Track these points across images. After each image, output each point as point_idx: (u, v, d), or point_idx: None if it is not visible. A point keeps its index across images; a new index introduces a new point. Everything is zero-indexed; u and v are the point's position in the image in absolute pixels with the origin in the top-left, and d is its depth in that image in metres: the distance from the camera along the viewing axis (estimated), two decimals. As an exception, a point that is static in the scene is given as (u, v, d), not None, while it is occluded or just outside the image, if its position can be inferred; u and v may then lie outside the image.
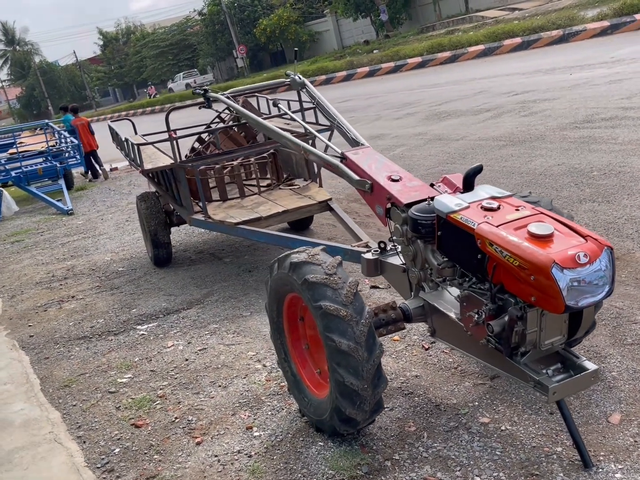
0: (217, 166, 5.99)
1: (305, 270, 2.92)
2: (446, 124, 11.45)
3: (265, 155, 6.14)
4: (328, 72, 30.85)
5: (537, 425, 3.01)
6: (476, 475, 2.75)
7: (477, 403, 3.28)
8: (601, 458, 2.73)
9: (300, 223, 6.87)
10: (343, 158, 3.76)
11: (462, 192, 3.09)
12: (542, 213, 2.75)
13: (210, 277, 6.05)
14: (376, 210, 3.57)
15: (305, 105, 5.99)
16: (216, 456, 3.18)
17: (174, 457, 3.24)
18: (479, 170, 3.08)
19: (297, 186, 6.09)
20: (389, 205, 3.40)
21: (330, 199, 5.46)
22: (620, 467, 2.65)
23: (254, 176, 6.20)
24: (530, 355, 2.73)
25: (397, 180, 3.47)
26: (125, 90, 75.69)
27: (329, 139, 5.77)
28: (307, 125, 4.67)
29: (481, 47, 23.82)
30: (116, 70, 70.73)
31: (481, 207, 2.85)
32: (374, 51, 32.32)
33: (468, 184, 3.07)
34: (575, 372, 2.70)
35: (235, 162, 6.03)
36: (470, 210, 2.84)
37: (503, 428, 3.04)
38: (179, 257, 6.99)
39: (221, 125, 7.09)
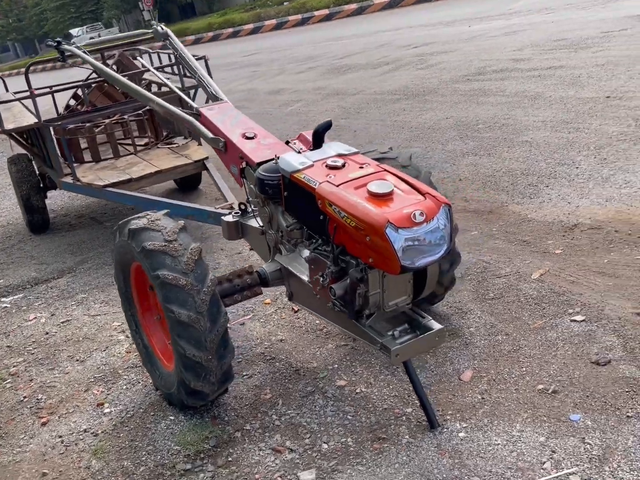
0: (88, 124, 5.64)
1: (144, 237, 2.74)
2: (346, 78, 11.29)
3: (140, 112, 5.82)
4: (235, 25, 30.06)
5: (391, 387, 2.96)
6: (324, 442, 2.68)
7: (336, 365, 3.21)
8: (448, 417, 2.70)
9: (187, 183, 6.63)
10: (198, 114, 3.54)
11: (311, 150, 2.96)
12: (385, 170, 2.64)
13: (87, 244, 5.76)
14: (231, 170, 3.39)
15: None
16: (60, 437, 3.00)
17: (16, 441, 3.04)
18: (328, 126, 2.95)
19: (176, 145, 5.83)
20: (243, 165, 3.23)
21: (206, 158, 5.24)
22: (464, 425, 2.63)
23: (130, 135, 5.87)
24: (376, 317, 2.66)
25: (251, 138, 3.30)
26: (27, 45, 71.82)
27: (194, 96, 5.53)
28: (166, 80, 4.40)
29: (387, -2, 23.64)
30: (14, 24, 66.88)
31: (326, 166, 2.72)
32: (284, 3, 31.66)
33: (317, 141, 2.94)
34: (421, 332, 2.64)
35: (107, 120, 5.69)
36: (313, 169, 2.71)
37: (358, 390, 2.98)
38: (59, 223, 6.64)
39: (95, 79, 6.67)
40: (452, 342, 3.22)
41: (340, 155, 2.80)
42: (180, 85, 5.53)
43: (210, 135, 3.42)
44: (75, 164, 5.56)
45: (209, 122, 3.46)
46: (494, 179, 5.23)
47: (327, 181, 2.59)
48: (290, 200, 2.84)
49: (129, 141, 5.86)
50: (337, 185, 2.55)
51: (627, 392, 2.64)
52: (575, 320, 3.19)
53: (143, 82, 6.66)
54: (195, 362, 2.68)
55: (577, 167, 5.05)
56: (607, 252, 3.77)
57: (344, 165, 2.71)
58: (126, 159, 5.66)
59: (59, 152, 5.48)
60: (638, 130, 5.45)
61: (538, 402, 2.69)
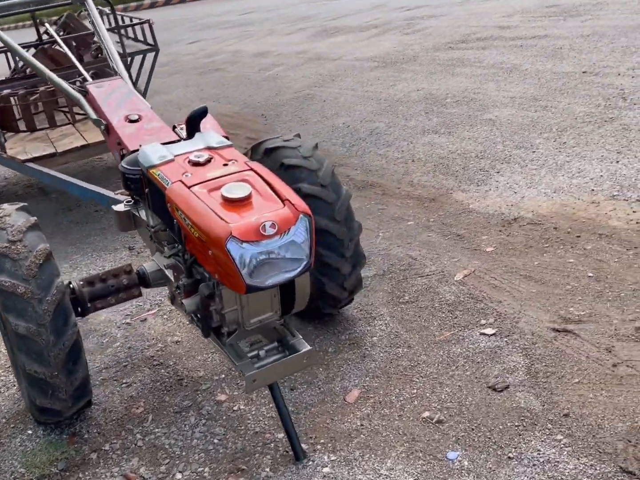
0: (21, 92, 5.31)
1: (-11, 236, 2.44)
2: (330, 42, 10.83)
3: (79, 79, 5.47)
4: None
5: (271, 405, 2.68)
6: (179, 471, 2.42)
7: (223, 376, 2.93)
8: (319, 447, 2.43)
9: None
10: (85, 92, 3.21)
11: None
12: (252, 170, 2.31)
13: (23, 218, 5.46)
14: (115, 156, 3.08)
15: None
16: None
17: None
18: (203, 112, 2.62)
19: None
20: (123, 152, 2.91)
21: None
22: (333, 458, 2.36)
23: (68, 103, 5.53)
24: (238, 335, 2.36)
25: (134, 122, 2.97)
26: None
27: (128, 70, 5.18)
28: (70, 54, 4.04)
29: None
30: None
31: (188, 161, 2.39)
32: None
33: (191, 129, 2.62)
34: (290, 353, 2.35)
35: (41, 88, 5.35)
36: (172, 164, 2.39)
37: (236, 408, 2.71)
38: (6, 193, 6.35)
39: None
40: (350, 353, 2.93)
41: (209, 149, 2.47)
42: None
43: (94, 115, 3.10)
44: (9, 134, 5.25)
45: (94, 100, 3.13)
46: (446, 162, 4.87)
47: (181, 181, 2.27)
48: (151, 198, 2.53)
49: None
50: (190, 187, 2.23)
51: (516, 426, 2.34)
52: (484, 334, 2.88)
53: (94, 44, 6.31)
54: (39, 379, 2.41)
55: (533, 152, 4.68)
56: (540, 253, 3.44)
57: (208, 161, 2.39)
58: (62, 129, 5.34)
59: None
60: (606, 111, 5.05)
61: (419, 433, 2.40)
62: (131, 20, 6.04)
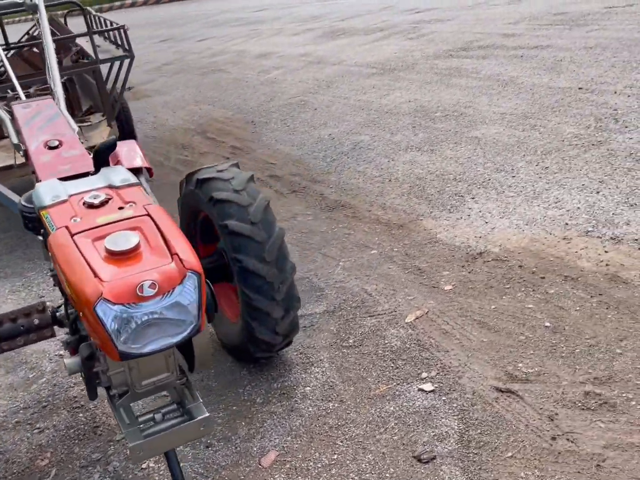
0: (10, 94, 5.12)
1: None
2: (334, 44, 10.58)
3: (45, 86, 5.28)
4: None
5: (182, 464, 2.46)
6: (66, 540, 2.21)
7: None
8: (219, 520, 2.20)
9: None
10: (11, 112, 3.01)
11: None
12: (148, 216, 2.08)
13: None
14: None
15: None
16: None
17: None
18: (111, 146, 2.41)
19: (88, 123, 5.30)
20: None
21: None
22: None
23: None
24: (130, 398, 2.14)
25: (54, 148, 2.75)
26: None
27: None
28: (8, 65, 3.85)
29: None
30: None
31: (83, 202, 2.17)
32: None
33: (97, 163, 2.40)
34: (187, 419, 2.13)
35: (10, 93, 5.17)
36: (63, 206, 2.17)
37: (144, 466, 2.51)
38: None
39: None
40: (278, 405, 2.71)
41: (110, 187, 2.25)
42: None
43: (15, 139, 2.90)
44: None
45: (17, 122, 2.93)
46: (423, 183, 4.62)
47: (66, 227, 2.05)
48: (44, 242, 2.32)
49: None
50: (74, 234, 2.01)
51: (433, 508, 2.11)
52: (422, 390, 2.64)
53: (74, 48, 6.14)
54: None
55: (513, 176, 4.41)
56: (500, 295, 3.18)
57: (104, 203, 2.17)
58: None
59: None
60: (595, 133, 4.76)
61: (329, 509, 2.18)
62: (106, 25, 5.84)
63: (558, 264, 3.34)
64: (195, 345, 2.11)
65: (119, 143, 2.85)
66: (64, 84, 5.31)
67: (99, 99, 5.55)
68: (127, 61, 5.57)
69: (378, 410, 2.58)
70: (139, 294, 1.81)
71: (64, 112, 3.06)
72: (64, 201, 2.19)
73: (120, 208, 2.14)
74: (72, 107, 5.49)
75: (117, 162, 2.71)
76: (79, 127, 5.23)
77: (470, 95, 6.31)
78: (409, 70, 7.83)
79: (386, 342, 2.99)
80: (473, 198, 4.25)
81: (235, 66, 10.73)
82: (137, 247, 1.92)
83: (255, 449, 2.50)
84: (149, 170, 2.73)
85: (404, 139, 5.58)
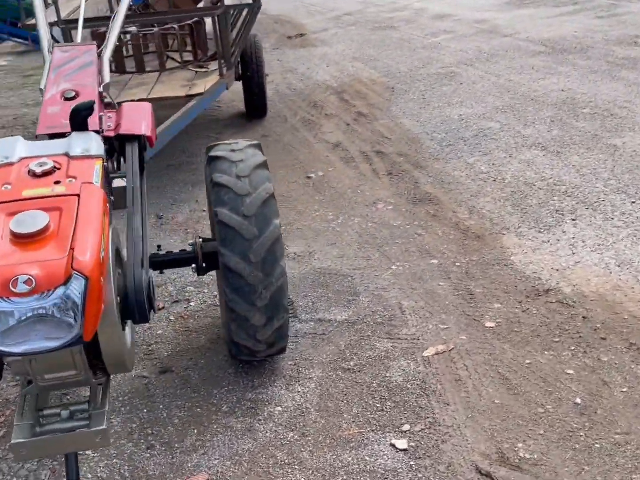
0: (135, 31, 5.17)
1: None
2: (517, 14, 9.69)
3: (173, 25, 5.23)
4: None
5: (116, 460, 2.29)
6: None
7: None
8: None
9: (254, 110, 6.02)
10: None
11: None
12: (77, 196, 1.86)
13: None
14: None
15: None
16: None
17: None
18: (88, 109, 2.20)
19: (205, 70, 5.19)
20: None
21: (200, 94, 4.56)
22: None
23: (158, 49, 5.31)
24: (34, 388, 1.98)
25: (70, 99, 2.58)
26: None
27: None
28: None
29: None
30: None
31: (27, 169, 2.00)
32: None
33: (72, 126, 2.21)
34: (85, 425, 1.93)
35: (155, 29, 5.15)
36: (7, 169, 2.00)
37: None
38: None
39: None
40: (240, 419, 2.45)
41: (66, 155, 2.05)
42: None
43: (43, 83, 2.78)
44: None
45: (51, 66, 2.80)
46: (527, 191, 4.03)
47: (-8, 195, 1.88)
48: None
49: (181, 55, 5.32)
50: (-9, 206, 1.84)
51: None
52: (393, 446, 2.25)
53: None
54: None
55: (633, 202, 3.71)
56: (543, 348, 2.65)
57: (47, 174, 1.97)
58: (145, 76, 5.15)
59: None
60: None
61: None
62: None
63: (630, 324, 2.72)
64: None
65: (131, 104, 2.66)
66: (190, 26, 5.24)
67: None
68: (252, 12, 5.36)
69: (334, 457, 2.23)
70: (12, 289, 1.60)
71: (104, 61, 2.89)
72: (9, 164, 2.02)
73: (57, 182, 1.93)
74: (195, 50, 5.40)
75: (117, 124, 2.51)
76: (196, 72, 5.17)
77: (633, 94, 5.43)
78: (580, 53, 6.93)
79: (388, 374, 2.60)
80: (574, 220, 3.61)
81: (408, 24, 10.20)
82: (40, 231, 1.71)
83: (190, 465, 2.26)
84: (149, 139, 2.50)
85: (534, 134, 4.92)
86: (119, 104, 2.73)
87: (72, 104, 2.57)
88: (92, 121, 2.47)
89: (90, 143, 2.12)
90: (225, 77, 5.06)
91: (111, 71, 5.12)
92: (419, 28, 9.78)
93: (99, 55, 2.92)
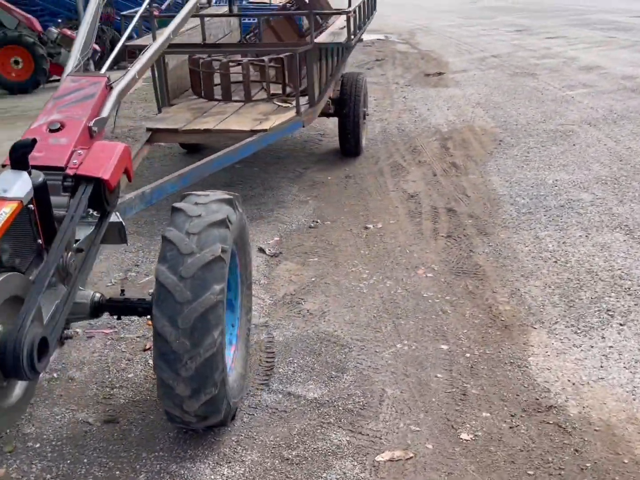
0: (224, 60, 5.22)
1: None
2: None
3: (263, 58, 5.19)
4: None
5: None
6: None
7: None
8: None
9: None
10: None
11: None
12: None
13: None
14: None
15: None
16: None
17: None
18: (26, 146, 2.14)
19: (288, 105, 5.11)
20: None
21: (264, 130, 4.47)
22: None
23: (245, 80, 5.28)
24: None
25: (54, 131, 2.56)
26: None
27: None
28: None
29: None
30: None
31: None
32: None
33: (11, 161, 2.15)
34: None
35: (245, 59, 5.16)
36: None
37: None
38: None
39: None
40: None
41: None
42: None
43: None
44: (178, 99, 5.30)
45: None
46: (584, 282, 3.56)
47: None
48: None
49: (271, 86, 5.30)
50: None
51: None
52: None
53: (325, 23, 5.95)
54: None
55: (701, 314, 3.12)
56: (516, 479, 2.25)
57: None
58: (228, 105, 5.14)
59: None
60: None
61: None
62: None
63: (628, 472, 2.24)
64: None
65: (104, 143, 2.58)
66: (281, 60, 5.17)
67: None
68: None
69: None
70: None
71: (113, 94, 2.84)
72: None
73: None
74: (284, 84, 5.32)
75: (80, 163, 2.43)
76: (279, 105, 5.09)
77: None
78: None
79: (325, 475, 2.32)
80: (621, 325, 3.11)
81: (550, 74, 9.62)
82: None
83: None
84: (106, 182, 2.39)
85: (625, 213, 4.36)
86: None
87: (56, 136, 2.54)
88: (60, 156, 2.43)
89: (14, 183, 2.04)
90: (304, 114, 4.93)
91: (199, 97, 5.23)
92: (559, 78, 9.19)
93: (111, 87, 2.89)
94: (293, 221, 4.64)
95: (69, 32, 10.34)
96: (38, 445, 2.51)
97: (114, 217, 2.77)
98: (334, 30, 5.47)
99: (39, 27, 10.22)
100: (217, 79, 5.31)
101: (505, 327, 3.17)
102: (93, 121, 2.64)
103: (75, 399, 2.77)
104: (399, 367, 2.92)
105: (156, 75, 5.00)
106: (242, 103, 5.20)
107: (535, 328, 3.15)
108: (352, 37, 5.08)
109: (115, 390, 2.82)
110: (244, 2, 11.15)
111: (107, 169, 2.40)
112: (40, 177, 2.18)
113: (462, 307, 3.38)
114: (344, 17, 5.19)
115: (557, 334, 3.08)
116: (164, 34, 3.34)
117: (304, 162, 6.06)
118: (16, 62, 9.81)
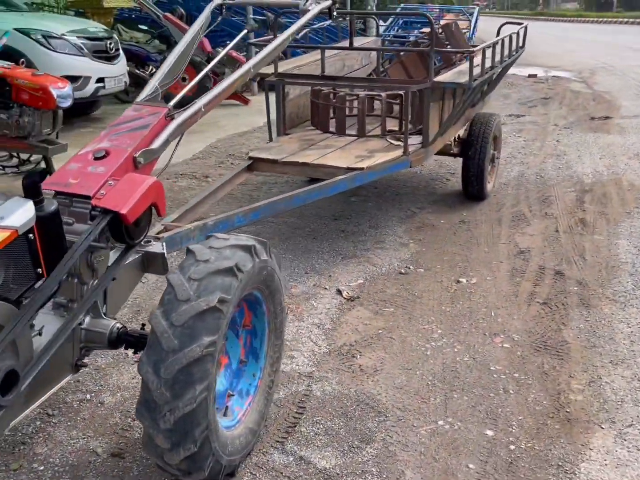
0: (341, 93, 5.17)
1: None
2: None
3: (380, 93, 5.05)
4: None
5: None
6: None
7: None
8: None
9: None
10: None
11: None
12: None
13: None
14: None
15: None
16: None
17: None
18: (38, 175, 2.18)
19: (399, 144, 4.92)
20: None
21: (360, 169, 4.31)
22: None
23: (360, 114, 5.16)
24: None
25: (98, 159, 2.59)
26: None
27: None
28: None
29: None
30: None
31: None
32: None
33: (24, 189, 2.19)
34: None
35: (362, 93, 5.08)
36: None
37: None
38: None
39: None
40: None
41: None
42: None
43: (103, 139, 2.83)
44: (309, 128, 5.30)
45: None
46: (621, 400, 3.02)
47: None
48: None
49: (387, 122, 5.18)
50: None
51: None
52: None
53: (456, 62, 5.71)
54: None
55: None
56: None
57: None
58: (340, 139, 5.05)
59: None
60: None
61: None
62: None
63: None
64: None
65: (134, 176, 2.55)
66: (400, 96, 4.99)
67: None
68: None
69: None
70: None
71: (171, 125, 2.84)
72: None
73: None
74: (401, 121, 5.13)
75: (107, 193, 2.42)
76: (390, 143, 4.93)
77: None
78: None
79: None
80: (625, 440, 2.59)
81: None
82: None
83: None
84: (123, 217, 2.36)
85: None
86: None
87: (96, 164, 2.57)
88: (92, 185, 2.44)
89: (12, 212, 2.06)
90: (413, 154, 4.72)
91: (316, 129, 5.18)
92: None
93: (172, 118, 2.88)
94: (385, 264, 4.43)
95: (234, 53, 10.84)
96: (42, 468, 2.52)
97: (158, 248, 2.76)
98: (462, 69, 5.19)
99: (209, 47, 10.78)
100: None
101: (567, 421, 2.77)
102: (140, 152, 2.64)
103: (95, 426, 2.76)
104: (431, 448, 2.63)
105: (269, 104, 5.01)
106: (355, 137, 5.09)
107: (602, 428, 2.72)
108: (476, 78, 4.78)
109: (135, 422, 2.78)
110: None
111: (127, 203, 2.37)
112: (52, 205, 2.20)
113: (528, 389, 3.00)
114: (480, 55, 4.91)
115: (625, 440, 2.63)
116: (244, 67, 3.30)
117: (421, 201, 5.82)
118: (183, 79, 10.44)
